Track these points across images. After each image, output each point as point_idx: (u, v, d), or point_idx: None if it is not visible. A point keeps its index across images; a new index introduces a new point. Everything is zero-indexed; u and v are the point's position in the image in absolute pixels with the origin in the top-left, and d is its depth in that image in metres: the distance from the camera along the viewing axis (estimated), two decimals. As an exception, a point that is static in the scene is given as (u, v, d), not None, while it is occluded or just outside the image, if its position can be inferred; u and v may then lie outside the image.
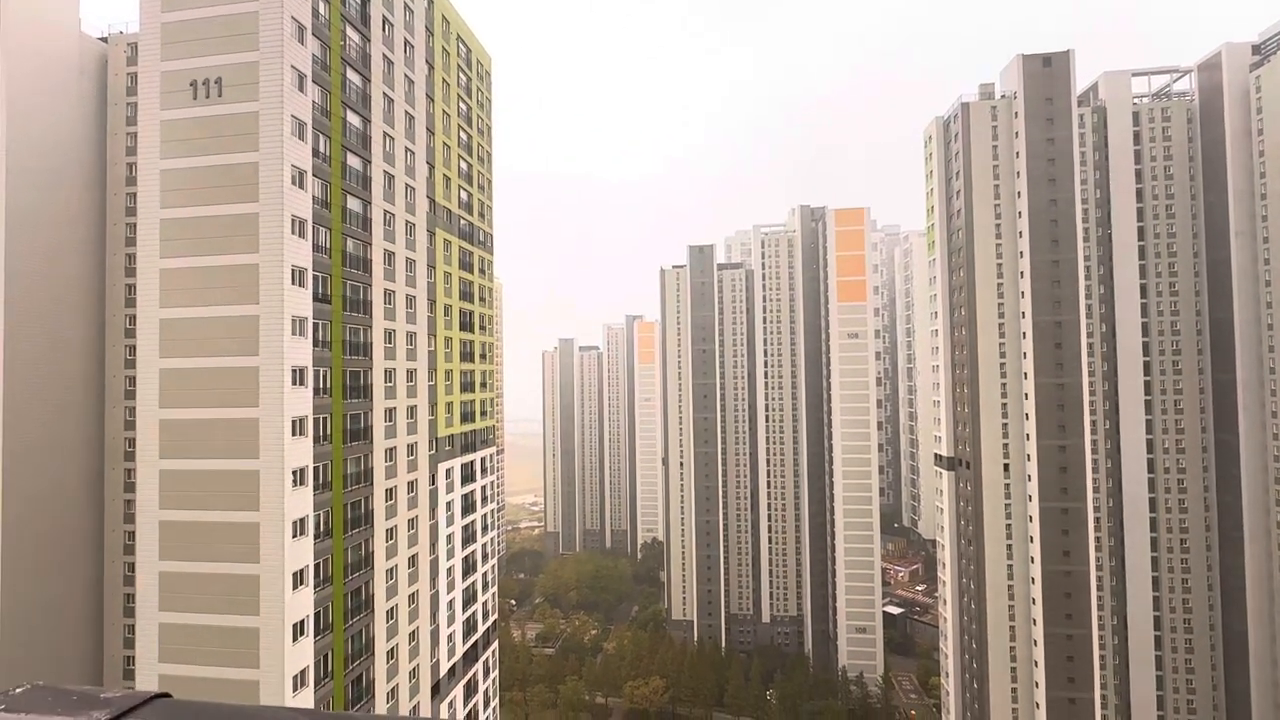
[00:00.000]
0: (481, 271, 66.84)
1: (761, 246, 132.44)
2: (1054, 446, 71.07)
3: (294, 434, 37.30)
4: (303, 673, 37.14)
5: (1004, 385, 75.01)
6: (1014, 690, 73.77)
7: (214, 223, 37.76)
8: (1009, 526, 74.54)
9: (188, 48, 38.39)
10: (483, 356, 66.52)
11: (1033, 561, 71.72)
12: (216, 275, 37.54)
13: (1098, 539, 74.34)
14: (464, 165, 63.23)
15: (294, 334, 37.56)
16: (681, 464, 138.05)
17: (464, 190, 63.06)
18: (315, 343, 39.72)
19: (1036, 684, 71.07)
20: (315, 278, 40.03)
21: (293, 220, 37.87)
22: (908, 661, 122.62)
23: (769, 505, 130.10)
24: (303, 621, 37.37)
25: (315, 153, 40.53)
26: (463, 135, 63.02)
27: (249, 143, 37.49)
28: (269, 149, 37.26)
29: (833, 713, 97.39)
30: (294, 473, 37.15)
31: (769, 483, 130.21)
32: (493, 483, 69.01)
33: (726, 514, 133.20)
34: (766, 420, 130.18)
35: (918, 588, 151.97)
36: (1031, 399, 71.98)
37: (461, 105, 62.88)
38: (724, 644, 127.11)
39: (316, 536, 39.25)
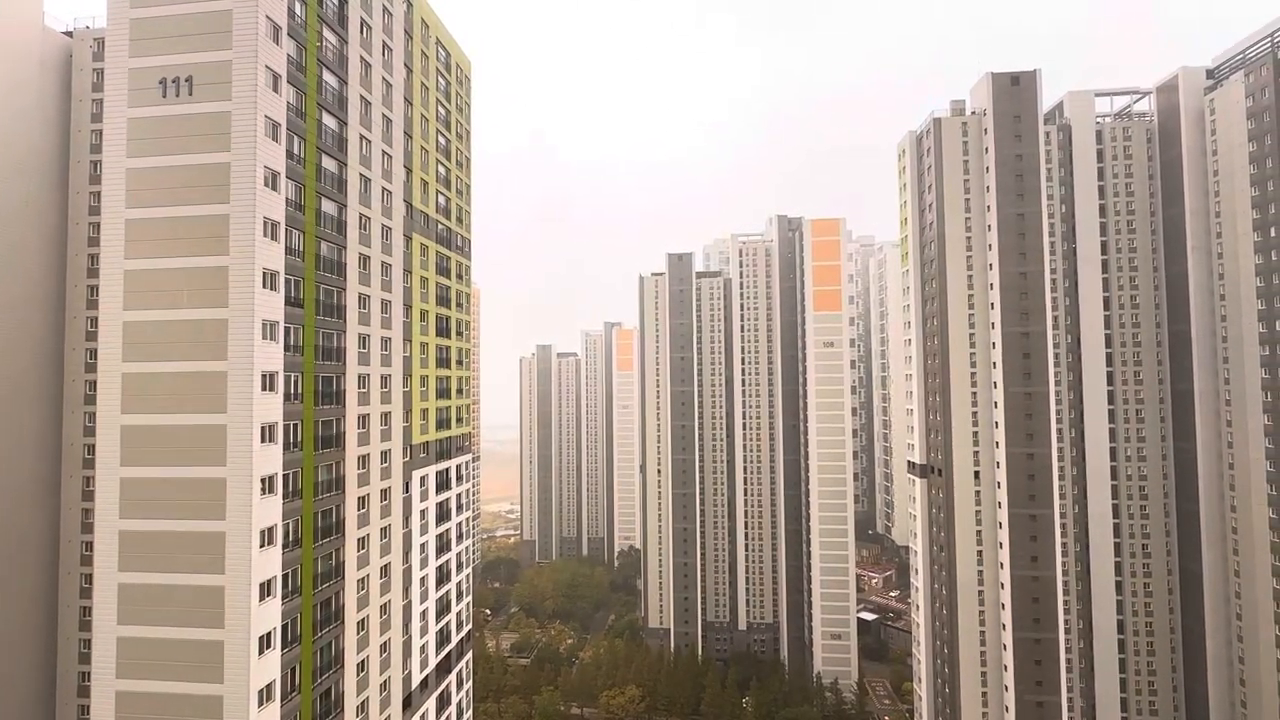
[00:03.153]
0: (459, 277, 66.24)
1: (739, 255, 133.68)
2: (1022, 454, 72.76)
3: (263, 441, 36.39)
4: (268, 687, 36.07)
5: (974, 394, 76.65)
6: (984, 694, 74.96)
7: (182, 224, 36.82)
8: (979, 533, 75.97)
9: (157, 45, 37.51)
10: (459, 362, 65.81)
11: (1002, 567, 73.17)
12: (184, 278, 36.56)
13: (1064, 545, 76.17)
14: (442, 170, 62.73)
15: (265, 338, 36.72)
16: (659, 471, 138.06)
17: (441, 195, 62.54)
18: (287, 347, 38.88)
19: (1006, 688, 72.34)
20: (288, 281, 39.23)
21: (265, 222, 37.11)
22: (882, 667, 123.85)
23: (746, 512, 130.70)
24: (269, 634, 36.34)
25: (289, 154, 39.83)
26: (441, 139, 62.56)
27: (220, 143, 36.70)
28: (241, 150, 36.51)
29: (808, 719, 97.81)
30: (263, 480, 36.22)
31: (746, 490, 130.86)
32: (468, 490, 68.14)
33: (704, 521, 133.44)
34: (744, 428, 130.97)
35: (891, 594, 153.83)
36: (1001, 408, 73.67)
37: (440, 109, 62.46)
38: (700, 652, 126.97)
39: (285, 546, 38.27)
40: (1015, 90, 75.30)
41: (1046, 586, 71.43)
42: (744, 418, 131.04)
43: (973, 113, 78.96)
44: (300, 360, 40.33)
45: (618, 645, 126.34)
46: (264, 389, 36.52)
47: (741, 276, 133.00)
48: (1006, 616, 72.41)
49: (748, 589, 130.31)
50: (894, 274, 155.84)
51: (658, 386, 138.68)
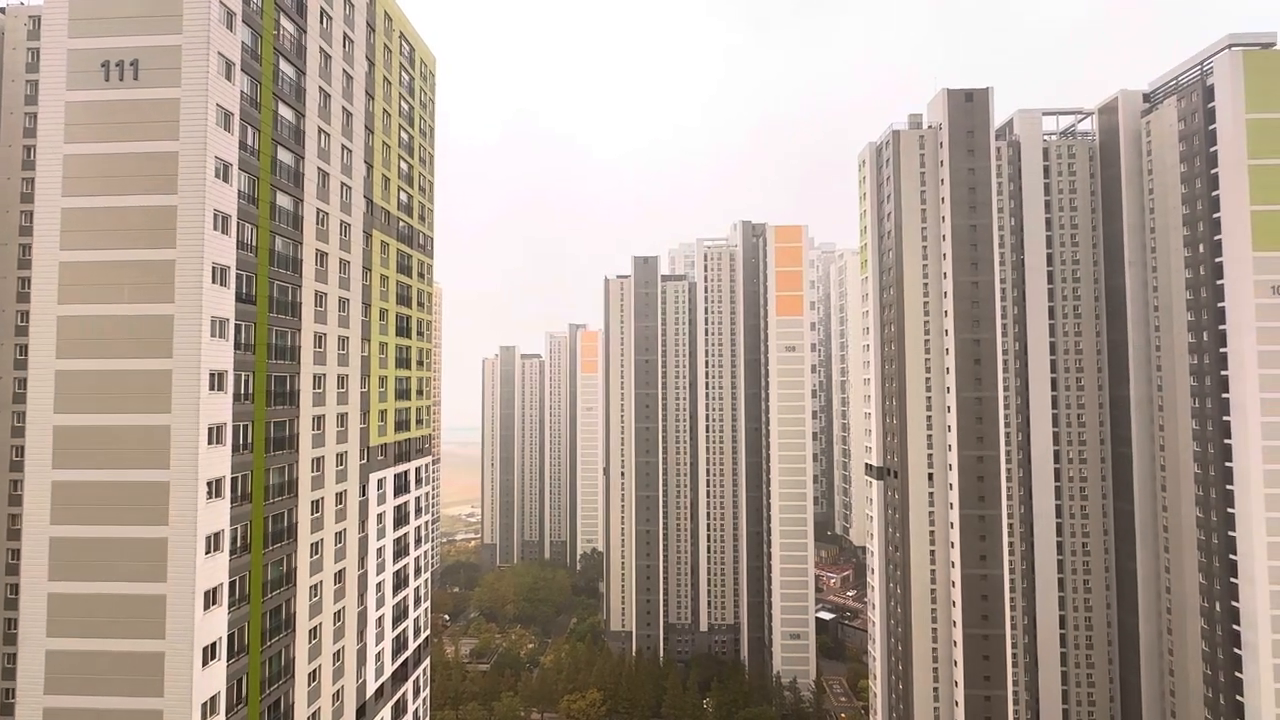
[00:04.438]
0: (420, 276, 64.97)
1: (704, 260, 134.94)
2: (973, 457, 75.49)
3: (210, 442, 34.92)
4: (213, 700, 34.57)
5: (929, 399, 79.19)
6: (935, 690, 77.36)
7: (125, 214, 35.08)
8: (932, 533, 78.45)
9: (100, 25, 35.70)
10: (420, 363, 64.51)
11: (953, 566, 75.71)
12: (126, 271, 34.83)
13: (1011, 544, 79.28)
14: (404, 166, 61.46)
15: (214, 336, 35.27)
16: (623, 474, 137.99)
17: (404, 192, 61.27)
18: (237, 346, 37.44)
19: (956, 683, 74.81)
20: (239, 277, 37.78)
21: (215, 215, 35.68)
22: (839, 665, 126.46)
23: (708, 514, 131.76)
24: (214, 644, 34.84)
25: (243, 145, 38.41)
26: (404, 135, 61.31)
27: (168, 131, 35.12)
28: (190, 138, 35.03)
29: (767, 719, 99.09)
30: (209, 484, 34.75)
31: (708, 492, 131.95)
32: (428, 494, 66.78)
33: (666, 524, 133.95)
34: (707, 430, 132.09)
35: (849, 593, 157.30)
36: (953, 412, 76.29)
37: (403, 104, 61.21)
38: (662, 654, 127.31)
39: (233, 552, 36.77)
40: (969, 106, 78.27)
41: (994, 585, 74.23)
42: (707, 420, 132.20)
43: (929, 127, 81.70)
44: (252, 359, 38.88)
45: (579, 649, 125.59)
46: (212, 388, 35.06)
47: (706, 280, 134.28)
48: (957, 614, 74.92)
49: (709, 590, 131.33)
50: (854, 280, 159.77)
51: (622, 389, 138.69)
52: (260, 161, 40.07)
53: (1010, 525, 79.30)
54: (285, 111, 42.98)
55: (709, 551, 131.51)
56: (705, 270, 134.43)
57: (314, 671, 44.78)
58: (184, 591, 33.36)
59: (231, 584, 36.59)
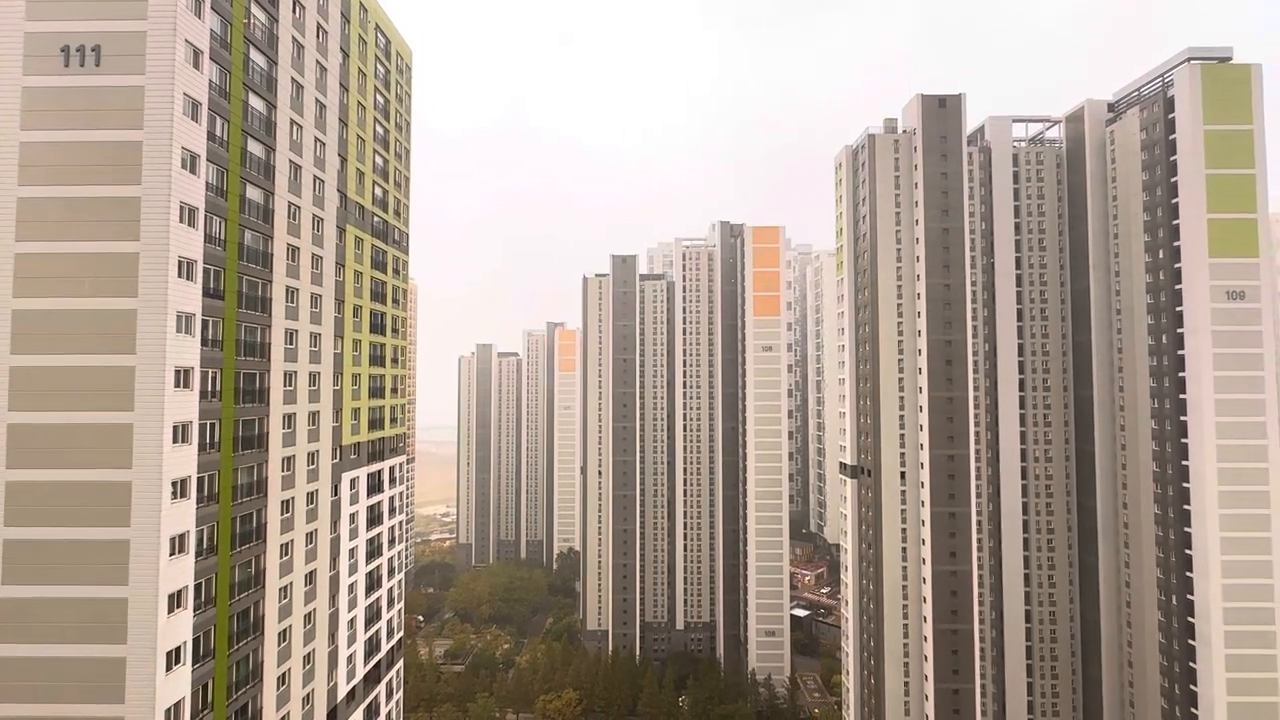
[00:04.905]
0: (395, 272, 64.01)
1: (683, 259, 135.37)
2: (944, 456, 77.07)
3: (176, 441, 33.95)
4: (177, 706, 33.63)
5: (902, 398, 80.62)
6: (906, 684, 78.87)
7: (86, 206, 33.91)
8: (904, 530, 79.93)
9: (59, 8, 34.46)
10: (394, 361, 63.56)
11: (924, 563, 77.24)
12: (86, 264, 33.67)
13: (979, 541, 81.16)
14: (379, 160, 60.48)
15: (179, 331, 34.29)
16: (600, 473, 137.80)
17: (379, 186, 60.28)
18: (204, 342, 36.45)
19: (926, 677, 76.36)
20: (207, 271, 36.80)
21: (181, 207, 34.68)
22: (813, 662, 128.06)
23: (685, 513, 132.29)
24: (179, 649, 33.90)
25: (211, 136, 37.40)
26: (379, 129, 60.32)
27: (132, 119, 34.03)
28: (156, 128, 33.99)
29: (742, 716, 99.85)
30: (174, 484, 33.78)
31: (685, 491, 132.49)
32: (402, 493, 65.86)
33: (644, 522, 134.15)
34: (684, 429, 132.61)
35: (823, 590, 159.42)
36: (925, 412, 77.80)
37: (379, 98, 60.22)
38: (638, 652, 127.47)
39: (199, 554, 35.81)
40: (942, 112, 79.82)
41: (964, 580, 75.92)
42: (685, 419, 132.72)
43: (904, 131, 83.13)
44: (220, 355, 37.90)
45: (555, 649, 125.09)
46: (177, 385, 34.09)
47: (684, 280, 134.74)
48: (928, 609, 76.46)
49: (686, 589, 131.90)
50: (830, 281, 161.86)
51: (600, 388, 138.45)
52: (229, 153, 39.06)
53: (979, 522, 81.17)
54: (256, 102, 41.96)
55: (686, 550, 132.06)
56: (684, 270, 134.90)
57: (283, 675, 43.85)
58: (147, 595, 32.39)
59: (197, 586, 35.64)
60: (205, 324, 36.58)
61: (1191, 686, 66.74)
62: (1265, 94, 68.02)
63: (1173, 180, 70.76)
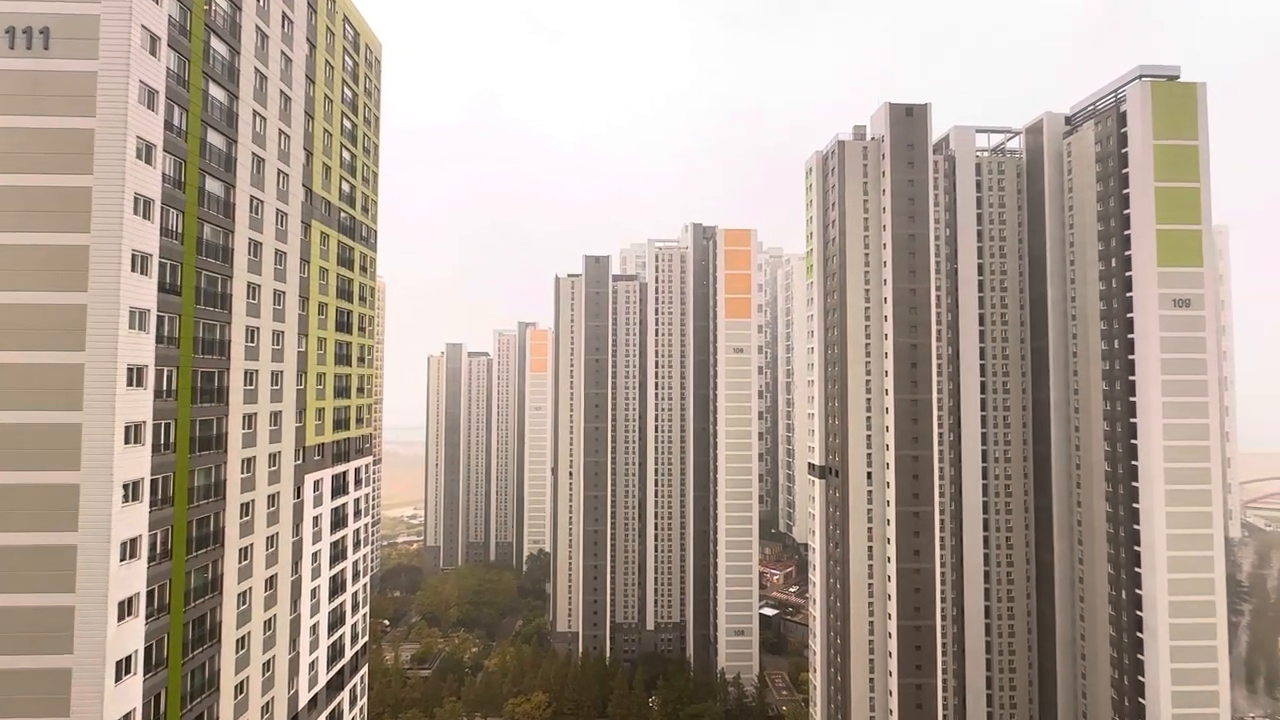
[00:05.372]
0: (363, 269, 62.70)
1: (656, 261, 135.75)
2: (909, 456, 78.87)
3: (128, 442, 32.64)
4: (127, 718, 32.31)
5: (869, 400, 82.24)
6: (871, 680, 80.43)
7: (31, 195, 32.38)
8: (870, 529, 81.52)
9: (5, -12, 32.82)
10: (361, 360, 62.24)
11: (889, 561, 78.91)
12: (32, 256, 32.15)
13: (942, 539, 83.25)
14: (347, 155, 59.18)
15: (133, 328, 32.99)
16: (571, 474, 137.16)
17: (346, 182, 58.98)
18: (160, 339, 35.14)
19: (890, 672, 78.00)
20: (163, 265, 35.49)
21: (136, 199, 33.38)
22: (781, 660, 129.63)
23: (656, 513, 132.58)
24: (129, 658, 32.59)
25: (169, 125, 36.09)
26: (346, 123, 59.03)
27: (83, 106, 32.64)
28: (109, 116, 32.66)
29: (711, 715, 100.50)
30: (126, 487, 32.47)
31: (657, 491, 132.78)
32: (367, 495, 64.51)
33: (614, 523, 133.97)
34: (656, 430, 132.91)
35: (791, 589, 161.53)
36: (891, 413, 79.51)
37: (346, 91, 58.93)
38: (609, 654, 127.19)
39: (152, 559, 34.49)
40: (909, 121, 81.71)
41: (927, 578, 77.79)
42: (656, 420, 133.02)
43: (872, 138, 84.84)
44: (176, 353, 36.58)
45: (525, 651, 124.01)
46: (130, 384, 32.79)
47: (657, 281, 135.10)
48: (892, 607, 78.11)
49: (656, 589, 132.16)
50: (800, 284, 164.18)
51: (571, 388, 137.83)
52: (188, 143, 37.76)
53: (942, 521, 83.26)
54: (217, 92, 40.65)
55: (657, 550, 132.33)
56: (656, 271, 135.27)
57: (241, 683, 42.52)
58: (95, 602, 31.06)
59: (150, 593, 34.32)
60: (161, 320, 35.27)
61: (1139, 677, 69.58)
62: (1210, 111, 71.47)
63: (1125, 192, 73.75)
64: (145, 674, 33.76)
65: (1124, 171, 73.87)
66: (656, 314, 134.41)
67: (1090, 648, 78.86)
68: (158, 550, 35.16)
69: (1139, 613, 70.14)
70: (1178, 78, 72.73)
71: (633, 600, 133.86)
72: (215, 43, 40.46)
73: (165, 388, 35.75)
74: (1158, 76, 72.31)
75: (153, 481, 34.50)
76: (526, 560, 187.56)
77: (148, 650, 34.09)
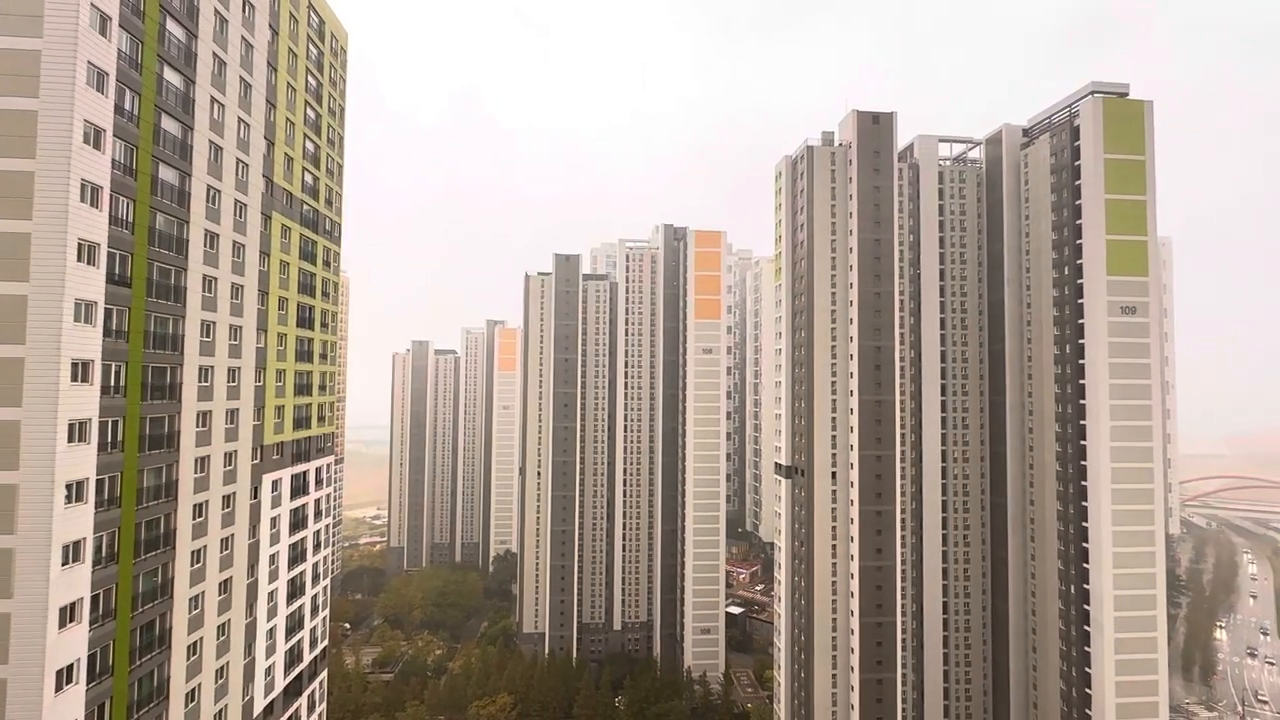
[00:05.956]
0: (326, 264, 61.10)
1: (626, 260, 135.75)
2: (872, 456, 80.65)
3: (71, 440, 31.14)
4: (68, 729, 30.82)
5: (834, 401, 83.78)
6: (834, 676, 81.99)
7: (-33, 178, 30.59)
8: (834, 528, 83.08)
9: (-61, -42, 30.95)
10: (323, 356, 60.64)
11: (853, 559, 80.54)
12: (-33, 243, 30.37)
13: (903, 538, 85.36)
14: (310, 146, 57.58)
15: (78, 320, 31.49)
16: (539, 473, 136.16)
17: (309, 173, 57.38)
18: (108, 332, 33.63)
19: (852, 668, 79.64)
20: (112, 256, 33.97)
21: (83, 185, 31.87)
22: (746, 658, 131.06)
23: (624, 513, 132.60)
24: (71, 667, 31.08)
25: (120, 110, 34.56)
26: (310, 113, 57.42)
27: (25, 86, 31.01)
28: (55, 97, 31.10)
29: (677, 713, 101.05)
30: (69, 487, 30.97)
31: (625, 491, 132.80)
32: (329, 495, 62.89)
33: (583, 523, 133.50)
34: (625, 430, 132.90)
35: (757, 588, 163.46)
36: (856, 414, 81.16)
37: (310, 80, 57.33)
38: (575, 654, 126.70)
39: (97, 563, 32.98)
40: (876, 128, 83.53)
41: (888, 575, 79.68)
42: (625, 420, 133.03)
43: (840, 144, 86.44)
44: (125, 348, 35.06)
45: (490, 653, 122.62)
46: (74, 379, 31.31)
47: (627, 281, 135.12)
48: (855, 604, 79.76)
49: (624, 589, 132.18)
50: (768, 287, 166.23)
51: (540, 387, 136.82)
52: (140, 129, 36.22)
53: (903, 520, 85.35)
54: (172, 76, 39.09)
55: (624, 550, 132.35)
56: (627, 271, 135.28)
57: (192, 691, 40.99)
58: (34, 608, 29.54)
59: (94, 598, 32.82)
60: (109, 313, 33.75)
61: (1086, 669, 72.56)
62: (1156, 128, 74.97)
63: (1077, 203, 76.79)
64: (89, 683, 32.26)
65: (1077, 183, 76.89)
66: (627, 314, 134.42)
67: (1041, 641, 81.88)
68: (104, 553, 33.64)
69: (1086, 607, 73.12)
70: (1127, 94, 76.06)
71: (600, 600, 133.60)
72: (171, 25, 38.89)
73: (113, 383, 34.22)
74: (1109, 93, 75.48)
75: (99, 481, 32.99)
76: (493, 561, 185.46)
77: (91, 658, 32.58)
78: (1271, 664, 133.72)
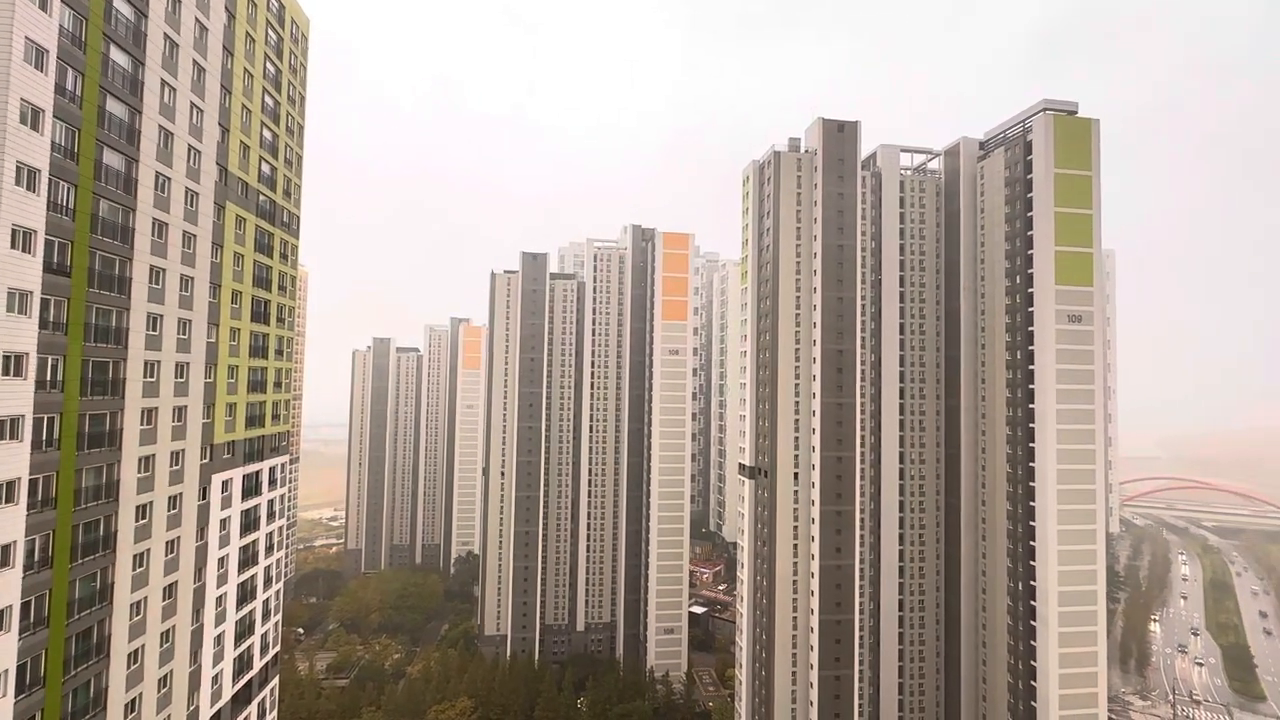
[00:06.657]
0: (283, 257, 59.15)
1: (594, 260, 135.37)
2: (833, 457, 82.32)
3: (1, 438, 29.38)
4: (-6, 744, 29.09)
5: (797, 403, 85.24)
6: (794, 673, 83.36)
7: (-113, 156, 28.58)
8: (795, 528, 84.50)
9: None
10: (279, 353, 58.68)
11: (813, 558, 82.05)
12: (-114, 226, 28.38)
13: (862, 537, 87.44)
14: (268, 134, 55.67)
15: (10, 310, 29.75)
16: (503, 474, 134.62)
17: (266, 163, 55.47)
18: (43, 324, 31.87)
19: (811, 665, 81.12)
20: (49, 244, 32.20)
21: (19, 168, 30.13)
22: (709, 657, 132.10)
23: (589, 514, 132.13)
24: (-1, 677, 29.32)
25: (60, 90, 32.80)
26: (268, 100, 55.53)
27: (-45, 61, 29.13)
28: (-13, 74, 29.31)
29: (640, 713, 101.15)
30: (-2, 487, 29.21)
31: (590, 492, 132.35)
32: (283, 496, 60.87)
33: (546, 524, 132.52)
34: (591, 430, 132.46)
35: (719, 587, 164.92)
36: (818, 416, 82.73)
37: (269, 66, 55.44)
38: (538, 656, 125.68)
39: (29, 568, 31.20)
40: (841, 136, 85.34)
41: (847, 574, 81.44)
42: (591, 420, 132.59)
43: (806, 151, 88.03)
44: (64, 340, 33.27)
45: (450, 656, 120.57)
46: (6, 373, 29.57)
47: (595, 281, 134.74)
48: (815, 602, 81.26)
49: (588, 590, 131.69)
50: (735, 289, 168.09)
51: (505, 387, 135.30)
52: (84, 111, 34.44)
53: (862, 520, 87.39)
54: (119, 56, 37.29)
55: (589, 551, 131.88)
56: (595, 271, 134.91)
57: (133, 701, 39.14)
58: (-43, 617, 27.75)
59: (25, 605, 31.04)
60: (46, 303, 32.00)
61: (1032, 662, 75.55)
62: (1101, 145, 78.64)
63: (1029, 215, 79.94)
64: (18, 695, 30.48)
65: (1029, 196, 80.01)
66: (594, 314, 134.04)
67: (990, 636, 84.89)
68: (36, 557, 31.84)
69: (1033, 603, 76.12)
70: (1076, 112, 79.51)
71: (563, 601, 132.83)
72: (119, 3, 37.10)
73: (49, 378, 32.44)
74: (1059, 110, 78.80)
75: (32, 481, 31.22)
76: (455, 563, 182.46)
77: (20, 668, 30.79)
78: (1200, 664, 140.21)
